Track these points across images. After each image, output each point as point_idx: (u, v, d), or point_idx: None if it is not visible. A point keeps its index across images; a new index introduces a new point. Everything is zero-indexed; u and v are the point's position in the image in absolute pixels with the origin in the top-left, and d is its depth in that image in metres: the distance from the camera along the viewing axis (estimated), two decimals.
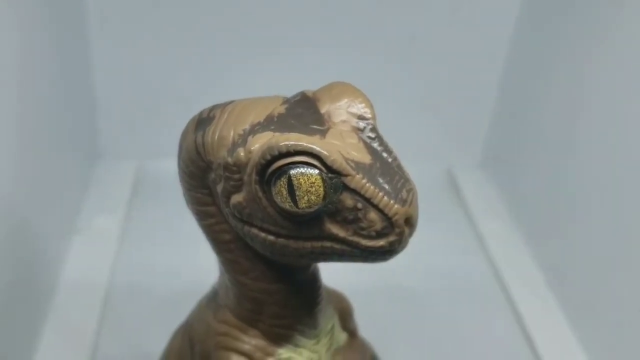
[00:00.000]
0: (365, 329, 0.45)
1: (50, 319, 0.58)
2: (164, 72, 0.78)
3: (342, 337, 0.41)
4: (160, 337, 0.48)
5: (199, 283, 0.50)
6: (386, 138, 0.33)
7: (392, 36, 0.79)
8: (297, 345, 0.37)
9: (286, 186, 0.30)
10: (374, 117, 0.33)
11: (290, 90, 0.36)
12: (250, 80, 0.78)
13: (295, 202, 0.30)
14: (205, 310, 0.40)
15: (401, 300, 0.65)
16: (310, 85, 0.44)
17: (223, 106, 0.34)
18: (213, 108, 0.34)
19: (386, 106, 0.45)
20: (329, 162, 0.30)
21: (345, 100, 0.33)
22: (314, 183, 0.30)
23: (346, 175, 0.30)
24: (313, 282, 0.37)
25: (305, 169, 0.30)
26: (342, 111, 0.33)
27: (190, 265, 0.65)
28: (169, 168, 0.77)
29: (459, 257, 0.73)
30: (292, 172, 0.30)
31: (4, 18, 0.48)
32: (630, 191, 0.57)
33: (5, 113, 0.48)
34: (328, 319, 0.39)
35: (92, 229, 0.69)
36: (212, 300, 0.40)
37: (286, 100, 0.34)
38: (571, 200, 0.66)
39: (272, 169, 0.30)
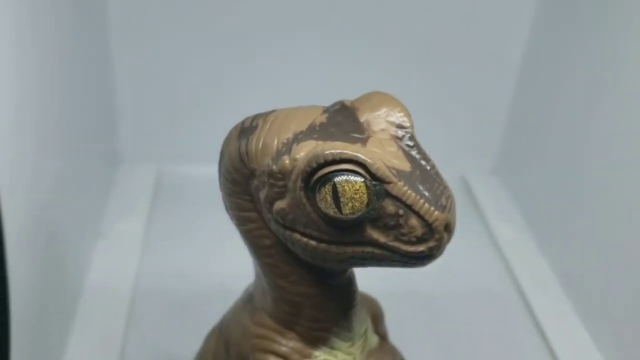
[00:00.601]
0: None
1: (77, 322, 0.59)
2: (183, 78, 0.79)
3: (374, 340, 0.42)
4: (186, 340, 0.49)
5: (222, 286, 0.51)
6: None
7: (407, 43, 0.80)
8: (332, 348, 0.38)
9: (331, 193, 0.31)
10: (412, 126, 0.34)
11: (306, 95, 0.37)
12: (266, 86, 0.79)
13: (339, 208, 0.31)
14: (242, 312, 0.41)
15: (418, 304, 0.66)
16: (325, 91, 0.45)
17: (265, 115, 0.35)
18: (255, 117, 0.35)
19: None
20: (373, 170, 0.31)
21: (384, 109, 0.34)
22: (358, 190, 0.31)
23: (389, 183, 0.31)
24: (349, 286, 0.38)
25: (350, 176, 0.31)
26: (381, 120, 0.34)
27: (212, 268, 0.67)
28: (188, 172, 0.80)
29: (474, 262, 0.74)
30: (337, 179, 0.31)
31: (26, 26, 0.48)
32: None
33: (30, 120, 0.49)
34: (362, 322, 0.40)
35: (115, 233, 0.70)
36: (247, 303, 0.41)
37: (326, 110, 0.34)
38: (584, 205, 0.67)
39: (317, 176, 0.31)
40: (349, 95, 0.38)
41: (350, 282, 0.38)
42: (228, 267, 0.59)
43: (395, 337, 0.47)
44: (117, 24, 0.75)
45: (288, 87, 0.78)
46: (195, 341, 0.47)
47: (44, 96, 0.53)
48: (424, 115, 0.83)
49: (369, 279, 0.47)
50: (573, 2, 0.72)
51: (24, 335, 0.46)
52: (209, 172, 0.76)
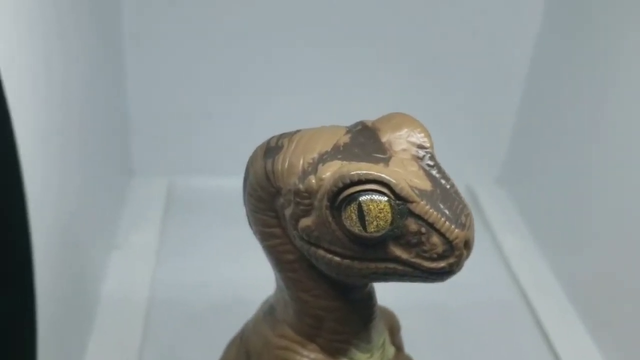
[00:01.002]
0: None
1: (95, 333, 0.60)
2: (195, 92, 0.80)
3: (391, 351, 0.43)
4: (201, 349, 0.50)
5: (235, 296, 0.52)
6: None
7: (414, 54, 0.81)
8: (352, 359, 0.40)
9: (356, 212, 0.32)
10: (432, 146, 0.35)
11: (317, 109, 0.38)
12: (279, 99, 0.80)
13: (364, 226, 0.32)
14: (263, 324, 0.42)
15: (427, 315, 0.67)
16: (335, 106, 0.47)
17: (290, 135, 0.36)
18: (281, 137, 0.36)
19: None
20: (397, 190, 0.32)
21: (405, 130, 0.35)
22: (382, 209, 0.32)
23: (412, 202, 0.32)
24: (369, 300, 0.39)
25: (375, 196, 0.32)
26: (402, 140, 0.35)
27: (225, 278, 0.67)
28: (200, 184, 0.81)
29: (480, 271, 0.74)
30: (362, 198, 0.32)
31: (54, 42, 0.50)
32: None
33: (45, 133, 0.50)
34: (380, 334, 0.41)
35: (130, 244, 0.71)
36: (269, 314, 0.42)
37: (349, 130, 0.36)
38: (589, 215, 0.68)
39: (343, 195, 0.32)
40: (358, 107, 0.39)
41: (370, 296, 0.39)
42: (241, 277, 0.60)
43: (407, 348, 0.49)
44: (131, 37, 0.76)
45: (299, 102, 0.79)
46: (210, 350, 0.48)
47: (60, 111, 0.54)
48: (430, 125, 0.84)
49: (379, 292, 0.49)
50: (579, 13, 0.72)
51: (44, 345, 0.47)
52: (221, 184, 0.78)
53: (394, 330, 0.44)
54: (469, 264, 0.74)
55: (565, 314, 0.68)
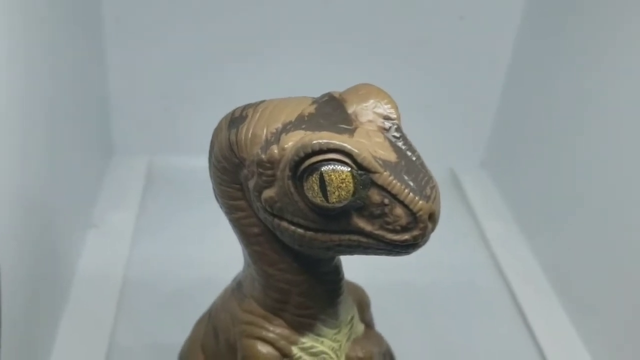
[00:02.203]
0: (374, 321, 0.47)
1: (68, 309, 0.60)
2: (175, 72, 0.79)
3: (360, 327, 0.43)
4: (175, 328, 0.50)
5: (212, 275, 0.52)
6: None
7: (398, 39, 0.80)
8: (319, 335, 0.39)
9: (318, 182, 0.31)
10: (398, 118, 0.35)
11: (298, 90, 0.37)
12: (258, 80, 0.80)
13: (326, 197, 0.32)
14: (230, 300, 0.41)
15: (407, 296, 0.67)
16: (317, 87, 0.46)
17: (255, 106, 0.36)
18: (245, 107, 0.36)
19: None
20: (359, 160, 0.32)
21: (372, 101, 0.35)
22: (344, 179, 0.31)
23: (375, 173, 0.32)
24: (336, 274, 0.39)
25: (337, 165, 0.31)
26: (369, 111, 0.34)
27: (202, 258, 0.67)
28: (180, 163, 0.81)
29: (462, 254, 0.74)
30: (324, 168, 0.31)
31: (17, 14, 0.49)
32: (629, 191, 0.58)
33: (24, 112, 0.50)
34: (348, 310, 0.41)
35: (107, 222, 0.71)
36: (236, 290, 0.41)
37: (315, 101, 0.35)
38: (571, 199, 0.68)
39: (304, 165, 0.32)
40: (339, 88, 0.38)
41: (337, 270, 0.39)
42: (218, 256, 0.60)
43: (383, 327, 0.48)
44: (110, 18, 0.75)
45: (279, 80, 0.79)
46: (185, 329, 0.48)
47: (39, 90, 0.54)
48: (414, 108, 0.85)
49: (356, 270, 0.48)
50: None
51: (14, 322, 0.47)
52: (200, 163, 0.77)
53: (363, 307, 0.44)
54: (450, 247, 0.75)
55: (546, 297, 0.68)
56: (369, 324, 0.45)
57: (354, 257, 0.36)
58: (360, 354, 0.41)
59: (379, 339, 0.45)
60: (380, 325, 0.48)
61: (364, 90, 0.35)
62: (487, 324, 0.65)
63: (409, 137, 0.35)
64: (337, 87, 0.38)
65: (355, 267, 0.47)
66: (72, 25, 0.64)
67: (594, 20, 0.66)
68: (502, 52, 0.82)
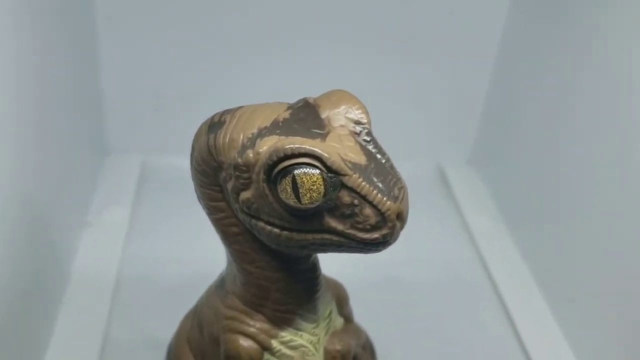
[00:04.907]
0: (359, 316, 0.49)
1: (63, 307, 0.61)
2: (168, 72, 0.81)
3: (339, 321, 0.44)
4: (167, 324, 0.51)
5: (204, 272, 0.53)
6: (379, 136, 0.37)
7: (385, 36, 0.81)
8: (298, 329, 0.41)
9: (291, 184, 0.33)
10: (369, 122, 0.37)
11: (288, 88, 0.39)
12: (250, 79, 0.81)
13: (298, 198, 0.33)
14: (214, 296, 0.43)
15: (393, 290, 0.69)
16: (306, 84, 0.47)
17: (233, 111, 0.37)
18: (224, 113, 0.38)
19: (378, 103, 0.48)
20: (329, 163, 0.33)
21: (344, 106, 0.37)
22: (315, 182, 0.33)
23: (344, 175, 0.34)
24: (313, 271, 0.41)
25: (308, 169, 0.33)
26: (341, 116, 0.36)
27: (195, 255, 0.69)
28: (173, 163, 0.82)
29: (448, 250, 0.76)
30: (296, 171, 0.33)
31: (12, 18, 0.50)
32: (612, 187, 0.59)
33: (18, 112, 0.51)
34: (326, 305, 0.43)
35: (102, 221, 0.72)
36: (220, 287, 0.43)
37: (290, 107, 0.37)
38: (556, 195, 0.69)
39: (278, 169, 0.34)
40: (328, 84, 0.40)
41: (314, 267, 0.41)
42: (209, 254, 0.61)
43: (367, 322, 0.50)
44: (103, 18, 0.77)
45: (269, 82, 0.80)
46: (177, 324, 0.49)
47: (33, 90, 0.55)
48: (401, 105, 0.86)
49: (341, 267, 0.50)
50: None
51: (10, 319, 0.48)
52: None
53: (341, 302, 0.45)
54: (437, 242, 0.76)
55: (531, 294, 0.69)
56: (348, 318, 0.46)
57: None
58: (338, 347, 0.43)
59: (357, 332, 0.46)
60: (365, 320, 0.49)
61: (337, 97, 0.37)
62: (471, 318, 0.66)
63: (397, 135, 0.37)
64: (326, 83, 0.40)
65: (338, 264, 0.49)
66: (64, 24, 0.65)
67: (581, 17, 0.66)
68: (489, 49, 0.83)
